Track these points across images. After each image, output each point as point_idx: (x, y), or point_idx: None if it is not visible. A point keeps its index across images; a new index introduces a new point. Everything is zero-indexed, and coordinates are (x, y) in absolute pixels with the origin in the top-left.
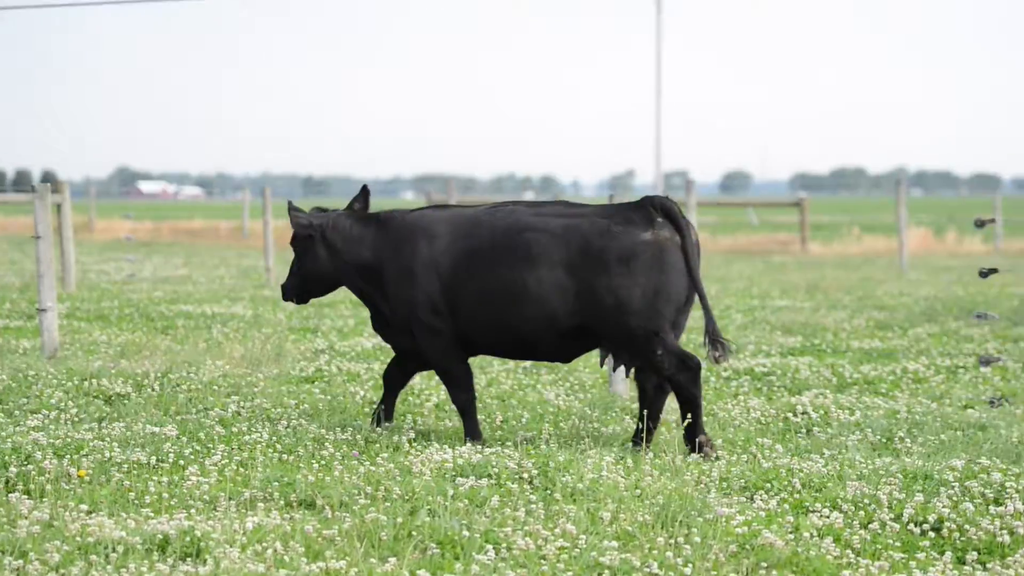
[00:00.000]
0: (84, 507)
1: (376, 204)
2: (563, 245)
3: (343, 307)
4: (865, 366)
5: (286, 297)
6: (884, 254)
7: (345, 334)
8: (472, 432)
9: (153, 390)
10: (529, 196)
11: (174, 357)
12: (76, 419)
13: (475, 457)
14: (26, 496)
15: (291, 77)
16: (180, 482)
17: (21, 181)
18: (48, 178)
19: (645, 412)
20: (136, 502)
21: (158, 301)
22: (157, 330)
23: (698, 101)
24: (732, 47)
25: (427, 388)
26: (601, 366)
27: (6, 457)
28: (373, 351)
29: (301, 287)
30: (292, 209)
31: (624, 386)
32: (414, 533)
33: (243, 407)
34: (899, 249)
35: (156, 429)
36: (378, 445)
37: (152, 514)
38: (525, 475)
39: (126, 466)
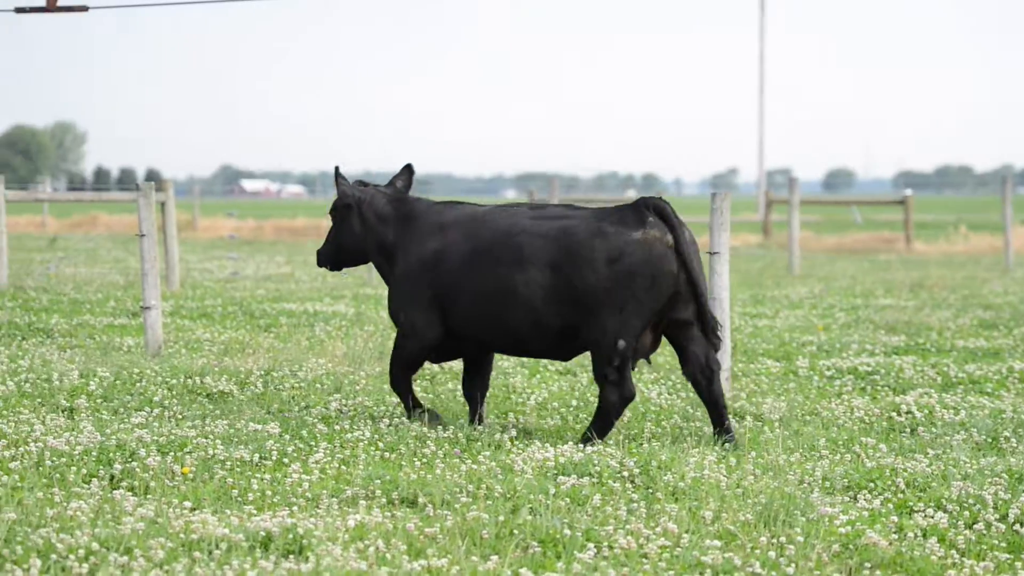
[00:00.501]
0: (188, 504)
1: (478, 202)
2: (555, 244)
3: None
4: (970, 365)
5: (320, 263)
6: (989, 253)
7: None
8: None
9: (256, 388)
10: (631, 194)
11: (277, 355)
12: (180, 416)
13: (577, 455)
14: (131, 493)
15: (392, 76)
16: (283, 479)
17: (125, 180)
18: (152, 177)
19: (706, 401)
20: (239, 499)
21: (261, 299)
22: (260, 328)
23: (801, 99)
24: (835, 44)
25: (528, 387)
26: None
27: (111, 454)
28: None
29: (335, 255)
30: (338, 176)
31: (726, 385)
32: (515, 531)
33: (345, 405)
34: (1005, 247)
35: (259, 427)
36: (479, 443)
37: (255, 511)
38: (626, 473)
39: (229, 463)
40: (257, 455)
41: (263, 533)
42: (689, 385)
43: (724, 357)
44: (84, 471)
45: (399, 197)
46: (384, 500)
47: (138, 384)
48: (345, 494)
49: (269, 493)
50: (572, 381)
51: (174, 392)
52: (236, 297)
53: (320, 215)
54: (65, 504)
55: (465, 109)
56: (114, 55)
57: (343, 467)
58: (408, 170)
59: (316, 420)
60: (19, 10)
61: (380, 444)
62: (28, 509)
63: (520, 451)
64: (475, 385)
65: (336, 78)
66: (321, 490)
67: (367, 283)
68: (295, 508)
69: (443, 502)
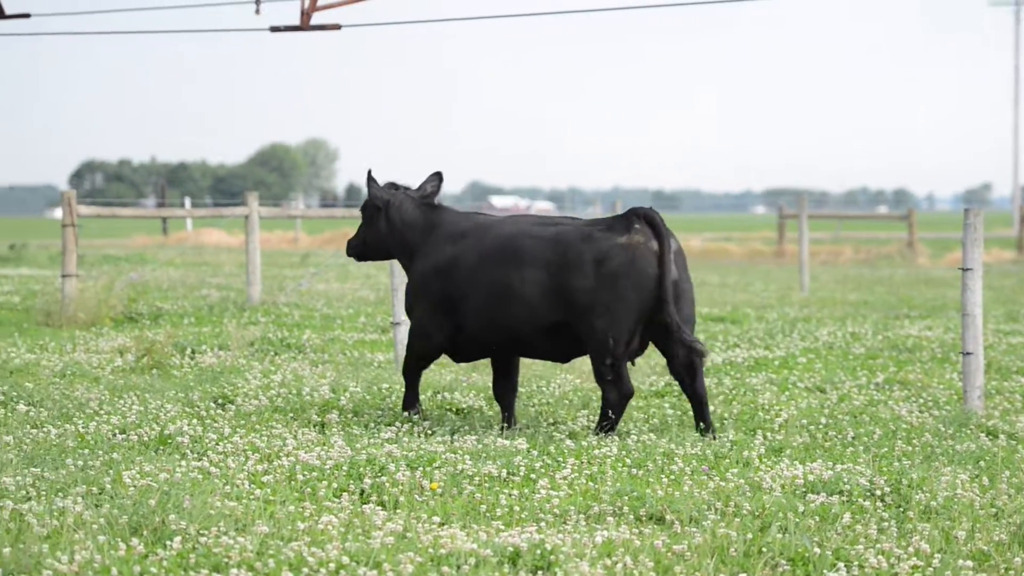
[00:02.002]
0: (436, 519)
1: (725, 219)
2: (550, 249)
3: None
4: None
5: (348, 253)
6: None
7: None
8: (409, 402)
9: None
10: (882, 210)
11: (525, 371)
12: (428, 432)
13: (826, 473)
14: (380, 507)
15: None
16: (531, 495)
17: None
18: None
19: (690, 397)
20: (487, 514)
21: None
22: None
23: None
24: None
25: (777, 404)
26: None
27: (361, 469)
28: (723, 366)
29: (361, 248)
30: (370, 179)
31: (980, 403)
32: (764, 549)
33: (593, 421)
34: None
35: (507, 442)
36: (727, 460)
37: (503, 526)
38: (877, 492)
39: (478, 479)
40: (505, 470)
41: (511, 548)
42: (941, 402)
43: (977, 375)
44: (335, 485)
45: (427, 203)
46: (632, 517)
47: (388, 399)
48: (593, 510)
49: (517, 508)
50: (821, 398)
51: (423, 407)
52: None
53: None
54: (316, 518)
55: (711, 123)
56: (366, 72)
57: (591, 483)
58: (437, 176)
59: (564, 436)
60: (274, 29)
61: (628, 460)
62: (280, 522)
63: (769, 468)
64: (503, 388)
65: (593, 92)
66: (569, 506)
67: None
68: (543, 524)
69: (691, 519)
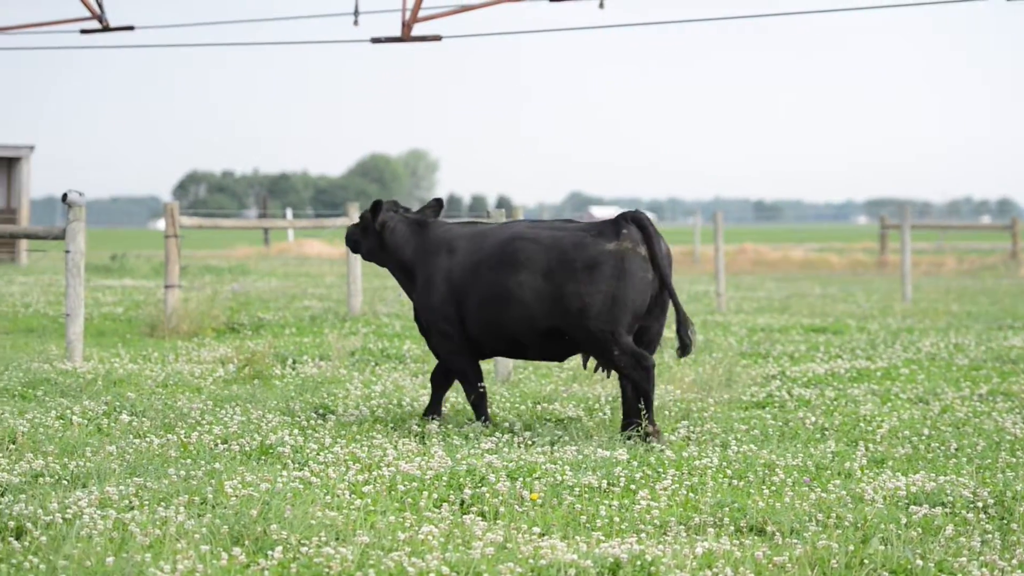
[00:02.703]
0: (536, 529)
1: (826, 229)
2: (543, 254)
3: (793, 332)
4: None
5: (347, 242)
6: None
7: (797, 359)
8: (481, 417)
9: (604, 414)
10: (986, 220)
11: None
12: (528, 442)
13: (928, 485)
14: (480, 518)
15: (739, 102)
16: (631, 506)
17: (477, 207)
18: (503, 203)
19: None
20: (587, 525)
21: None
22: None
23: None
24: None
25: (879, 414)
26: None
27: (461, 479)
28: (825, 377)
29: (355, 245)
30: (375, 208)
31: None
32: (866, 561)
33: (693, 431)
34: None
35: (607, 453)
36: (829, 471)
37: (603, 537)
38: (980, 504)
39: (577, 489)
40: (605, 481)
41: (611, 559)
42: None
43: None
44: (435, 496)
45: (418, 220)
46: (732, 528)
47: (488, 410)
48: (693, 521)
49: (617, 519)
50: (924, 409)
51: (523, 418)
52: None
53: (669, 241)
54: (416, 528)
55: (813, 134)
56: (466, 83)
57: (691, 494)
58: (437, 202)
59: (664, 446)
60: (375, 40)
61: (728, 471)
62: (380, 532)
63: (871, 480)
64: (441, 377)
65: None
66: (669, 517)
67: (716, 310)
68: (643, 535)
69: (792, 531)
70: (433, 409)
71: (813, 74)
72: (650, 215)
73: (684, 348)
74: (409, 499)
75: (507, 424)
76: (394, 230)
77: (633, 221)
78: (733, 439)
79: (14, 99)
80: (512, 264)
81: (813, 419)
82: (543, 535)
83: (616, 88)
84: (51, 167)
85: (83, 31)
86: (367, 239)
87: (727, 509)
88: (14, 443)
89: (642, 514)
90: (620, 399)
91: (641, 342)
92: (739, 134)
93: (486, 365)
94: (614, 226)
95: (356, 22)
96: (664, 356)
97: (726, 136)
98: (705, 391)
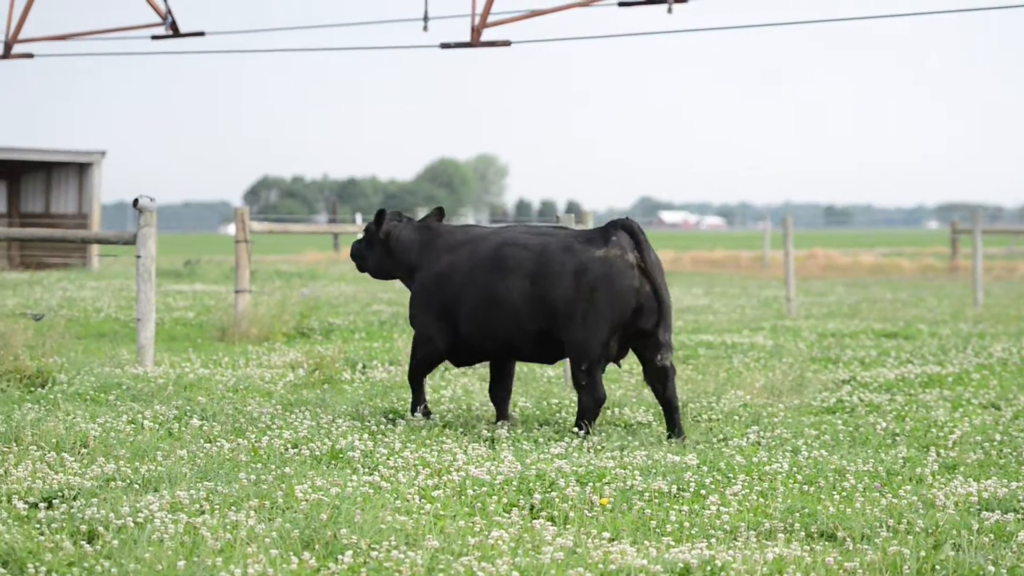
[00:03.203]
0: (606, 534)
1: (897, 234)
2: (533, 260)
3: (864, 337)
4: None
5: (352, 255)
6: None
7: (867, 364)
8: (416, 408)
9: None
10: None
11: (696, 386)
12: (598, 447)
13: (1001, 491)
14: (550, 523)
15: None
16: (701, 511)
17: (546, 212)
18: (572, 208)
19: (661, 403)
20: (657, 530)
21: (679, 330)
22: (679, 360)
23: None
24: None
25: (951, 420)
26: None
27: (531, 484)
28: (896, 382)
29: (361, 262)
30: (379, 217)
31: None
32: (938, 567)
33: (763, 437)
34: None
35: (677, 458)
36: (900, 477)
37: (673, 543)
38: None
39: (647, 494)
40: (675, 486)
41: (681, 564)
42: None
43: None
44: (505, 500)
45: (421, 225)
46: (803, 533)
47: (557, 414)
48: (763, 527)
49: (687, 524)
50: (996, 415)
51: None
52: None
53: (738, 246)
54: (486, 533)
55: (887, 138)
56: (535, 88)
57: (761, 499)
58: (439, 211)
59: (734, 452)
60: (444, 45)
61: (799, 477)
62: (450, 537)
63: (942, 486)
64: (498, 390)
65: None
66: (739, 522)
67: (785, 315)
68: (713, 540)
69: (863, 536)
70: (501, 415)
71: (883, 78)
72: (720, 220)
73: (659, 347)
74: (479, 503)
75: (576, 429)
76: (399, 237)
77: (623, 229)
78: (803, 444)
79: (86, 105)
80: (503, 269)
81: (884, 424)
82: (613, 540)
83: (687, 92)
84: (123, 172)
85: (154, 37)
86: (373, 251)
87: (797, 515)
88: (86, 447)
89: (712, 519)
90: (671, 405)
91: (648, 351)
92: (810, 138)
93: (555, 370)
94: (603, 233)
95: (426, 28)
96: (734, 362)
97: (796, 140)
98: (775, 396)
